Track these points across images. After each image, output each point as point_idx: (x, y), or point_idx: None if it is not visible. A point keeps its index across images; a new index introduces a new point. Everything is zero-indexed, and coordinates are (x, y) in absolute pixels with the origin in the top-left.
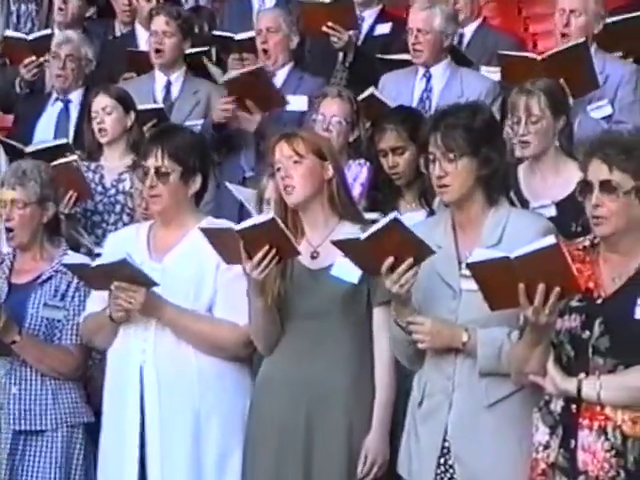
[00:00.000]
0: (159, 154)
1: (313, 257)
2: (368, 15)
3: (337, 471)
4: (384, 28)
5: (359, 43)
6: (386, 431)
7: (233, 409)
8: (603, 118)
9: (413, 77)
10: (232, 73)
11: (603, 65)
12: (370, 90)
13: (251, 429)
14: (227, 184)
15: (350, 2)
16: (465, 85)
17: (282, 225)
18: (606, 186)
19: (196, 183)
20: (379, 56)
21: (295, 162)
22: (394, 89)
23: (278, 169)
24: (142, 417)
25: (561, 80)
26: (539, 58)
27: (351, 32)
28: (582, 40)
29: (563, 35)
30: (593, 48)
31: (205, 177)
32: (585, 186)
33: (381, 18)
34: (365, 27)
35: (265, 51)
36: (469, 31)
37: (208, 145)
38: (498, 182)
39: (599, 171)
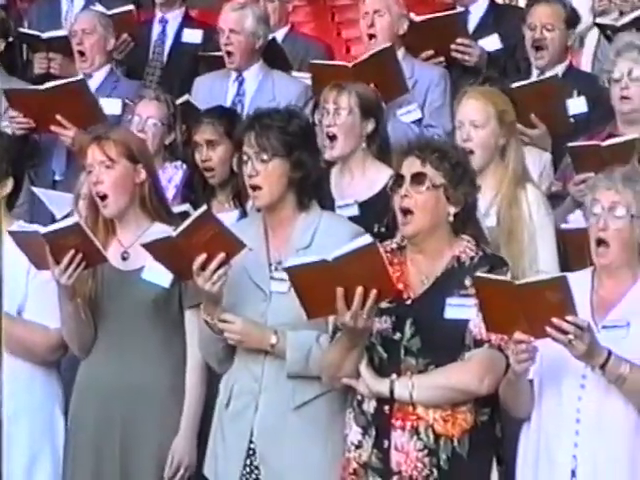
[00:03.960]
0: None
1: (124, 258)
2: (172, 18)
3: (150, 474)
4: (195, 37)
5: (166, 49)
6: (193, 433)
7: (42, 411)
8: (413, 122)
9: (226, 80)
10: (52, 83)
11: (412, 70)
12: (185, 97)
13: (70, 432)
14: (33, 188)
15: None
16: (277, 89)
17: (87, 230)
18: (417, 178)
19: (7, 187)
20: (201, 54)
21: (107, 167)
22: (208, 93)
23: (89, 172)
24: None
25: (371, 85)
26: (350, 65)
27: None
28: (388, 45)
29: (370, 36)
30: (402, 53)
31: (18, 181)
32: (397, 179)
33: (187, 22)
34: (171, 32)
35: (81, 53)
36: (278, 37)
37: (21, 148)
38: (310, 186)
39: (412, 165)
